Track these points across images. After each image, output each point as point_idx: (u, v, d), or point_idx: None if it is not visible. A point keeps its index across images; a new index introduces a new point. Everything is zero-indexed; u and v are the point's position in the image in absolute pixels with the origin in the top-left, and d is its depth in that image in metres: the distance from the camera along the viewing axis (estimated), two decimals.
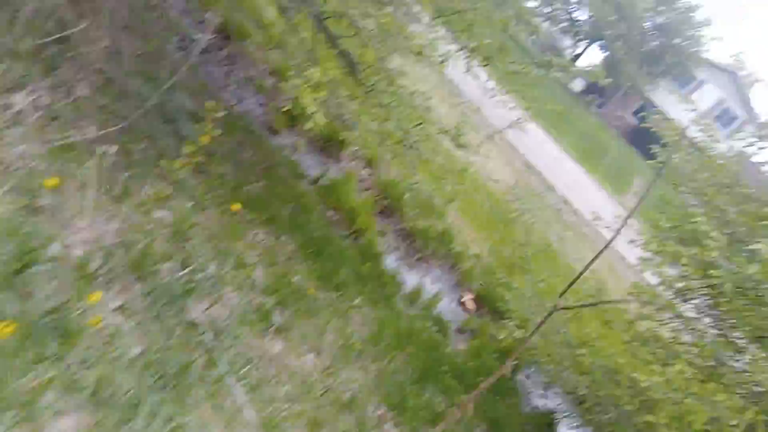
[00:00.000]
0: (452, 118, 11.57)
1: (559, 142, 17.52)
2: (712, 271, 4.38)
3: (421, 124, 6.13)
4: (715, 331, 5.43)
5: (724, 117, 29.53)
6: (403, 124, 6.21)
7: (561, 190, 13.98)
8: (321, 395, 4.00)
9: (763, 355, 4.32)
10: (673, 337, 5.58)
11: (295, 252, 5.15)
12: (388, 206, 7.68)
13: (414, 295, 6.52)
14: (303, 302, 4.57)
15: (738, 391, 4.38)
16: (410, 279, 6.86)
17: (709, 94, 29.33)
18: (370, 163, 7.85)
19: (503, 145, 13.58)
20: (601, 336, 5.96)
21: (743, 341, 5.13)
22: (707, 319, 5.51)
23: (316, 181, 6.72)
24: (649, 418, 3.88)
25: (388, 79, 5.36)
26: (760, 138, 5.95)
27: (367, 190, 7.61)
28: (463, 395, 5.45)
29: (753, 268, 4.18)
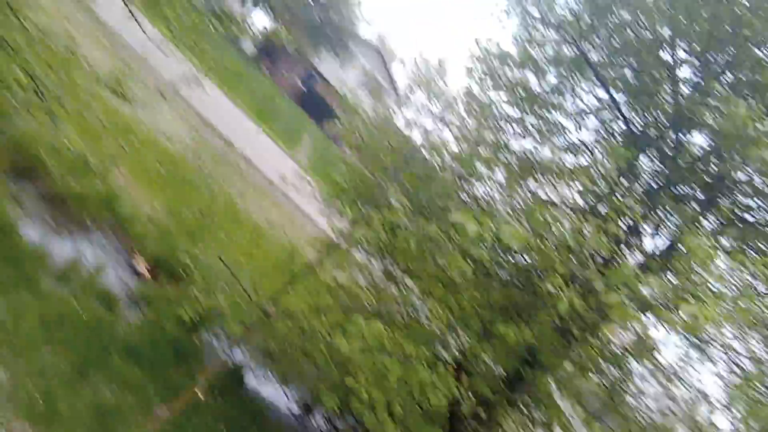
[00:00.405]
0: (110, 66, 9.84)
1: (234, 100, 16.90)
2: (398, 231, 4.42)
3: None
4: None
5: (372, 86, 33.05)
6: (33, 68, 4.92)
7: (240, 147, 13.47)
8: None
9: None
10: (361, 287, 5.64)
11: None
12: (25, 166, 5.96)
13: (69, 271, 5.16)
14: None
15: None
16: (62, 251, 5.43)
17: (360, 66, 32.39)
18: None
19: (177, 101, 12.29)
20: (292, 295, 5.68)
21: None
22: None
23: None
24: (350, 381, 3.67)
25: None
26: (399, 106, 6.55)
27: None
28: (142, 376, 4.53)
29: (432, 228, 4.32)
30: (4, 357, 3.59)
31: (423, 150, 5.96)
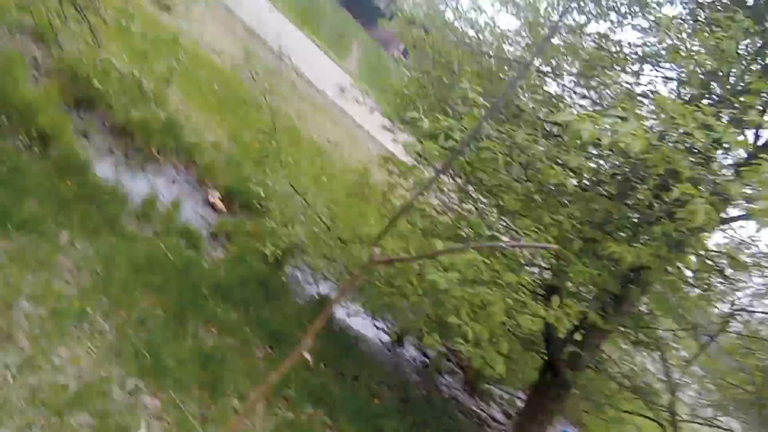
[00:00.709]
0: None
1: (275, 4, 15.92)
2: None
3: None
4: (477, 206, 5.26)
5: None
6: None
7: (291, 59, 12.78)
8: (25, 404, 2.50)
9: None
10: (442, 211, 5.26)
11: None
12: (85, 97, 5.62)
13: (147, 209, 4.95)
14: None
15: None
16: (137, 188, 5.20)
17: None
18: (41, 37, 5.50)
19: (217, 9, 11.58)
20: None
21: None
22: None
23: None
24: (452, 319, 3.34)
25: None
26: None
27: (46, 77, 5.39)
28: (237, 318, 4.39)
29: (520, 135, 3.80)
30: (102, 306, 3.42)
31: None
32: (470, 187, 5.19)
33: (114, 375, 2.97)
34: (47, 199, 3.93)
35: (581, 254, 3.98)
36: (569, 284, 4.82)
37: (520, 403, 6.88)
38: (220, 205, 6.05)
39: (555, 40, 4.71)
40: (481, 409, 6.86)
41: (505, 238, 4.95)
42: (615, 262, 3.81)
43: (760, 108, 3.75)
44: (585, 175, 4.32)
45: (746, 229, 4.45)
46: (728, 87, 3.98)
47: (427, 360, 6.80)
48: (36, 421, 2.34)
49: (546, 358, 4.91)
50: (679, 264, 4.21)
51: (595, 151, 4.40)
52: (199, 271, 4.56)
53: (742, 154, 4.06)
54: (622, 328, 5.16)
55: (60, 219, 3.84)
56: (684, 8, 4.74)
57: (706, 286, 4.58)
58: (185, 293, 4.11)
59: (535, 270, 5.04)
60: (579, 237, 3.89)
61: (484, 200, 5.24)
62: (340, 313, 5.61)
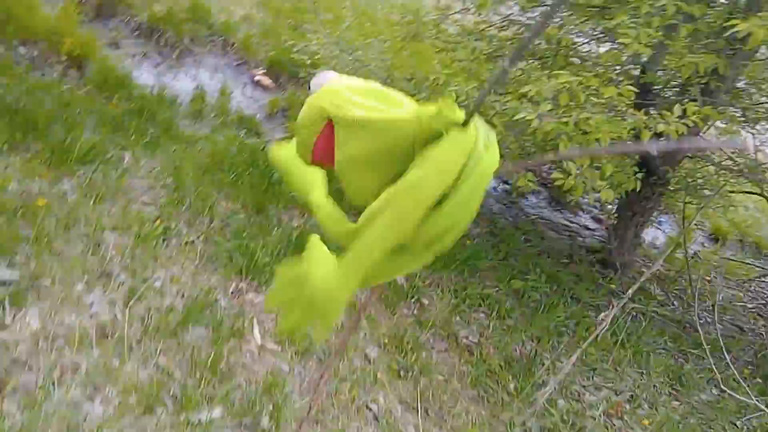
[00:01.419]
0: None
1: None
2: None
3: None
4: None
5: None
6: None
7: None
8: (141, 335, 2.57)
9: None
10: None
11: None
12: (104, 4, 5.21)
13: (197, 106, 4.74)
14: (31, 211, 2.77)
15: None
16: (182, 86, 4.95)
17: None
18: None
19: None
20: None
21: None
22: None
23: None
24: (551, 156, 2.97)
25: None
26: None
27: None
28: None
29: None
30: (183, 218, 3.39)
31: None
32: None
33: (214, 283, 2.99)
34: (99, 124, 3.79)
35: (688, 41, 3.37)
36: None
37: (610, 206, 6.64)
38: (267, 81, 5.71)
39: None
40: (571, 221, 6.71)
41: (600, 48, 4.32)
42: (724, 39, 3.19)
43: None
44: None
45: None
46: None
47: (508, 186, 6.58)
48: (155, 347, 2.40)
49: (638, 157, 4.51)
50: None
51: None
52: (265, 157, 4.40)
53: None
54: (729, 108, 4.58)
55: (117, 141, 3.72)
56: None
57: None
58: (257, 184, 4.00)
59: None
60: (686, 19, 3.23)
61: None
62: None
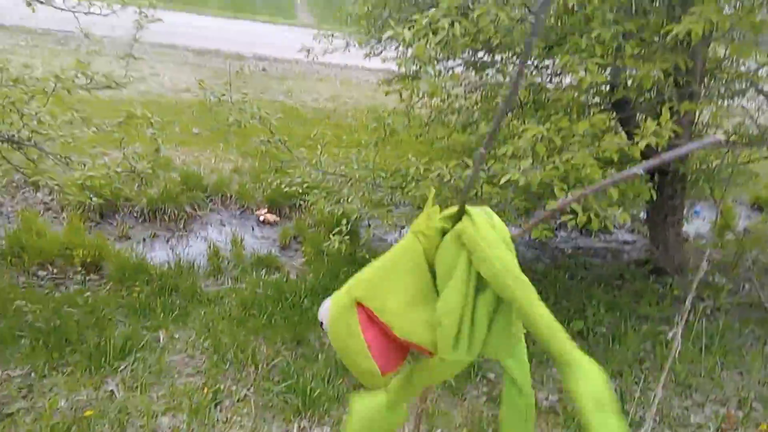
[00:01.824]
0: None
1: (202, 10, 15.25)
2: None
3: None
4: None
5: None
6: None
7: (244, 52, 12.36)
8: None
9: None
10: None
11: None
12: (102, 203, 5.54)
13: (214, 263, 4.85)
14: None
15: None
16: (196, 251, 5.11)
17: None
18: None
19: (161, 51, 11.12)
20: None
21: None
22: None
23: None
24: (551, 204, 2.96)
25: None
26: None
27: (61, 211, 5.29)
28: None
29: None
30: (229, 377, 3.35)
31: None
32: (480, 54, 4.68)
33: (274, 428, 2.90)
34: (128, 315, 3.87)
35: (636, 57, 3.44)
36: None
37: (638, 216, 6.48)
38: (272, 218, 5.89)
39: None
40: (608, 241, 6.54)
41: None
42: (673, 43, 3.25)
43: None
44: None
45: None
46: None
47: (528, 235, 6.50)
48: None
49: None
50: None
51: None
52: (292, 287, 4.43)
53: None
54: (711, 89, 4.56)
55: (148, 324, 3.78)
56: None
57: None
58: (290, 316, 3.99)
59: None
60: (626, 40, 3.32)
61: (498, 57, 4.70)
62: None
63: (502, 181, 2.93)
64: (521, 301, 1.00)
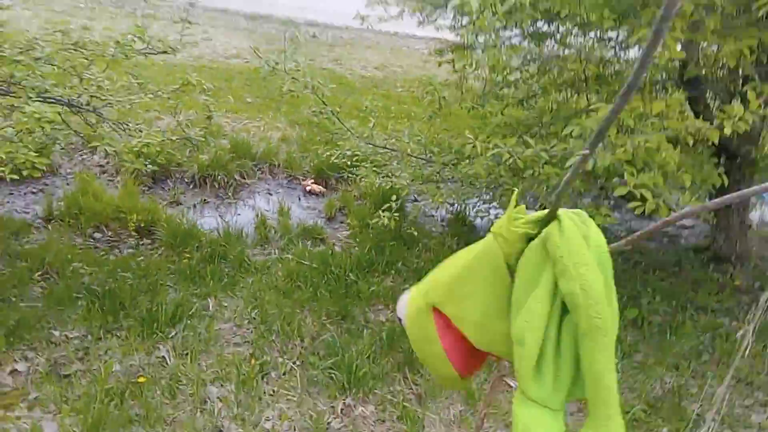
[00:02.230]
0: None
1: None
2: None
3: None
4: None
5: None
6: None
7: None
8: None
9: None
10: None
11: None
12: (156, 167, 5.61)
13: (261, 233, 4.87)
14: None
15: None
16: (244, 219, 5.14)
17: None
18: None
19: (213, 16, 11.12)
20: None
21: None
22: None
23: None
24: (621, 190, 2.79)
25: None
26: None
27: (118, 175, 5.40)
28: (378, 280, 4.19)
29: None
30: (274, 350, 3.36)
31: None
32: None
33: (322, 407, 2.89)
34: (179, 281, 3.93)
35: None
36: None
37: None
38: (318, 188, 5.85)
39: None
40: (671, 234, 6.23)
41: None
42: None
43: None
44: None
45: None
46: None
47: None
48: None
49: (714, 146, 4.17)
50: None
51: None
52: (338, 260, 4.40)
53: None
54: None
55: (198, 291, 3.82)
56: None
57: None
58: (335, 290, 3.97)
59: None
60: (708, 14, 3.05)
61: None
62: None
63: (568, 163, 2.76)
64: (590, 349, 0.88)
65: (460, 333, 1.03)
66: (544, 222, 0.95)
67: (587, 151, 0.80)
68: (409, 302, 1.09)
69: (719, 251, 5.08)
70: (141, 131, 3.68)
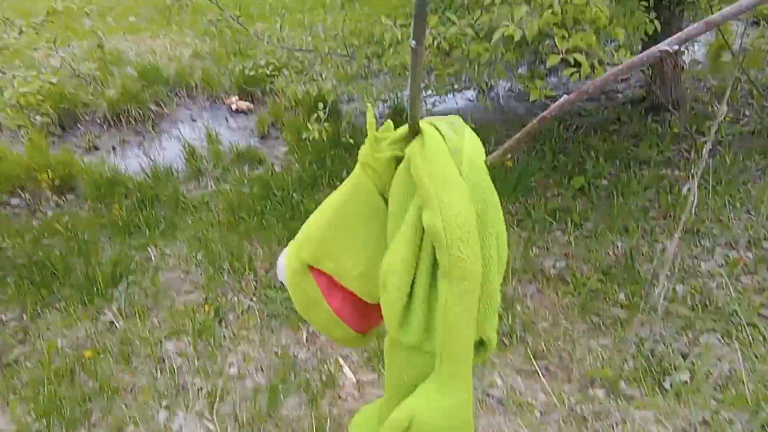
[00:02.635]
0: None
1: None
2: None
3: None
4: None
5: None
6: None
7: None
8: None
9: None
10: None
11: None
12: (61, 113, 5.06)
13: (193, 165, 4.53)
14: None
15: None
16: (171, 153, 4.76)
17: None
18: None
19: None
20: None
21: None
22: None
23: None
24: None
25: None
26: None
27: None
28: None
29: None
30: (236, 287, 3.23)
31: None
32: None
33: (286, 341, 2.83)
34: (113, 236, 3.66)
35: None
36: None
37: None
38: (245, 105, 5.44)
39: None
40: (608, 89, 6.11)
41: None
42: None
43: None
44: None
45: None
46: None
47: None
48: None
49: None
50: None
51: None
52: (279, 181, 4.16)
53: None
54: None
55: (135, 243, 3.58)
56: None
57: None
58: (282, 213, 3.79)
59: None
60: None
61: None
62: None
63: (495, 37, 2.51)
64: (446, 293, 0.70)
65: (348, 289, 0.86)
66: (408, 139, 0.76)
67: (415, 45, 0.60)
68: (287, 266, 0.91)
69: (656, 100, 5.04)
70: (14, 78, 3.19)
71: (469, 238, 0.70)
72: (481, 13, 3.05)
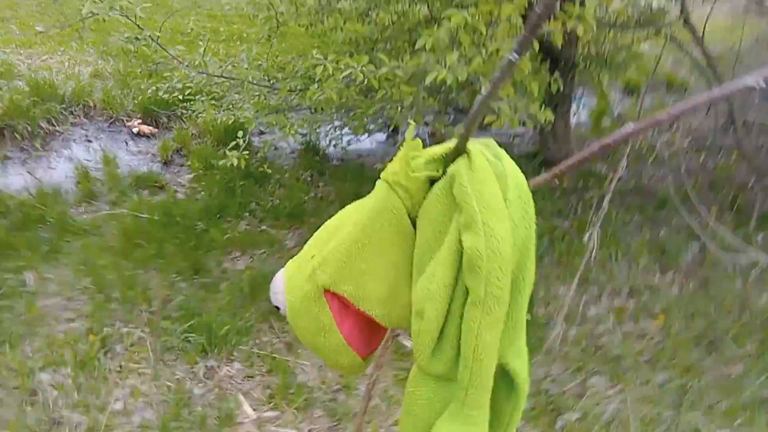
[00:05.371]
0: None
1: None
2: None
3: None
4: None
5: None
6: None
7: None
8: None
9: None
10: None
11: None
12: None
13: (85, 187, 4.21)
14: None
15: None
16: (61, 173, 4.40)
17: None
18: None
19: None
20: None
21: None
22: None
23: None
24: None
25: None
26: None
27: None
28: (241, 227, 3.90)
29: None
30: (127, 318, 2.98)
31: None
32: None
33: (181, 375, 2.63)
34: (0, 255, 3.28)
35: None
36: None
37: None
38: (147, 129, 5.18)
39: None
40: (498, 135, 6.56)
41: None
42: None
43: None
44: None
45: None
46: None
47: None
48: None
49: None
50: None
51: None
52: (183, 209, 3.97)
53: None
54: None
55: (11, 267, 3.22)
56: None
57: None
58: (184, 241, 3.59)
59: None
60: None
61: None
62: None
63: (428, 81, 2.62)
64: (477, 321, 0.70)
65: (359, 310, 0.83)
66: (450, 158, 0.76)
67: (516, 57, 0.62)
68: (290, 289, 0.85)
69: (548, 156, 5.47)
70: None
71: (506, 269, 0.70)
72: (411, 57, 3.18)
